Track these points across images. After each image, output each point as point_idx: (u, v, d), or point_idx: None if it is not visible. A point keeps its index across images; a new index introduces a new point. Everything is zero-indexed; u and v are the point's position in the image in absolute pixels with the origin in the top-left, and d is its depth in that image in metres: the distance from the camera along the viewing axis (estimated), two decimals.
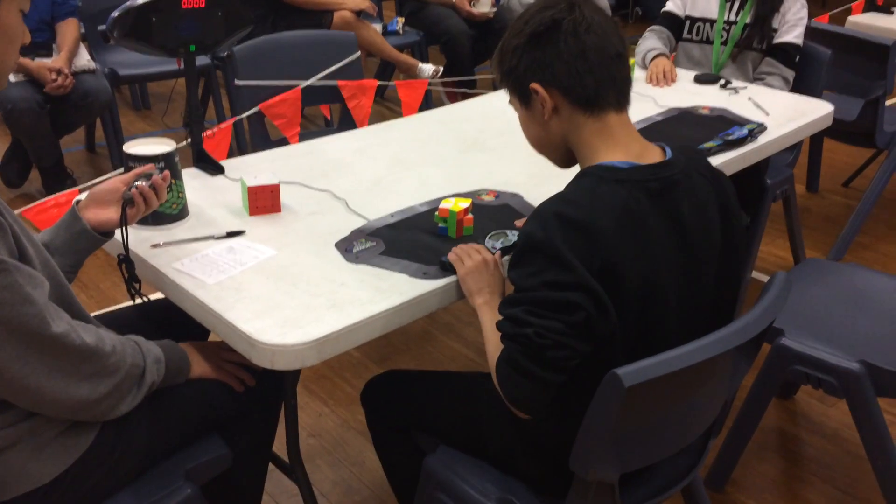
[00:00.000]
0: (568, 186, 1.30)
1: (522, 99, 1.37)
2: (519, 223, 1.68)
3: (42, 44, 3.42)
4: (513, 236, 1.60)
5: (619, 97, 1.33)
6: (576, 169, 1.37)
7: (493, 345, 1.35)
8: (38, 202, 2.07)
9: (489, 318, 1.40)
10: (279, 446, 1.75)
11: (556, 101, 1.32)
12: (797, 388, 2.47)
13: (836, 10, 4.90)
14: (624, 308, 1.25)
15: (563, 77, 1.29)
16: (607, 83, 1.30)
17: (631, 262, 1.23)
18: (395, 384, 1.68)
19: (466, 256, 1.50)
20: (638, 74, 2.77)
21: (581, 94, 1.30)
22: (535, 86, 1.31)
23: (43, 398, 1.24)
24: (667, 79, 2.69)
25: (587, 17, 1.29)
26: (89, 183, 2.42)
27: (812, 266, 2.26)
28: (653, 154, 1.34)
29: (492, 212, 1.75)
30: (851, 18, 4.08)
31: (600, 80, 1.29)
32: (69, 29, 3.46)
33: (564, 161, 1.41)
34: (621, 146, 1.32)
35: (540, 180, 1.90)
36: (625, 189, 1.25)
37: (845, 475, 2.19)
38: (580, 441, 1.24)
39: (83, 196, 1.54)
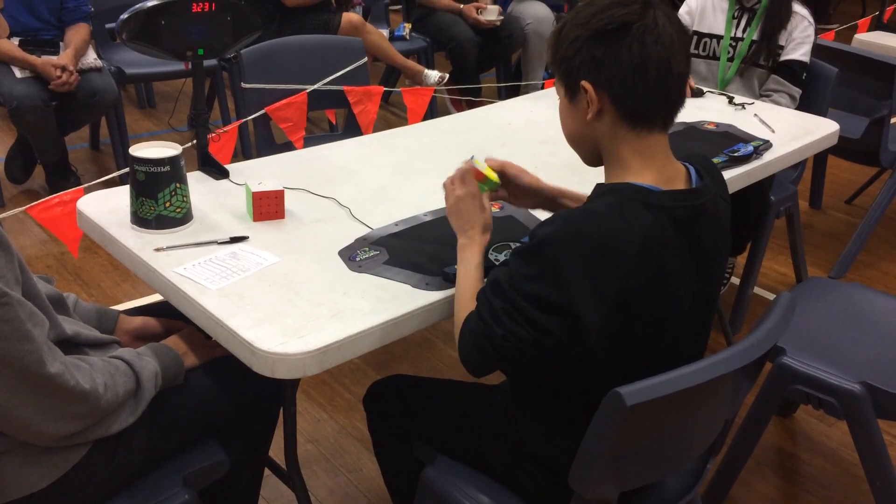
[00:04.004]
0: (593, 200, 1.26)
1: (569, 91, 1.30)
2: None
3: (49, 41, 3.42)
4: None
5: (668, 119, 1.27)
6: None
7: (465, 296, 1.37)
8: (42, 200, 2.07)
9: (467, 260, 1.41)
10: (277, 452, 1.75)
11: (602, 105, 1.25)
12: (797, 407, 2.47)
13: (842, 27, 4.91)
14: (632, 332, 1.24)
15: (617, 84, 1.23)
16: (660, 102, 1.24)
17: (646, 288, 1.22)
18: (398, 389, 1.68)
19: (449, 191, 1.47)
20: None
21: (630, 107, 1.24)
22: (585, 84, 1.25)
23: (30, 429, 1.24)
24: (689, 89, 2.70)
25: (659, 26, 1.21)
26: (93, 182, 2.42)
27: (815, 285, 2.26)
28: (680, 178, 1.30)
29: (496, 223, 1.74)
30: (858, 37, 4.09)
31: (654, 97, 1.23)
32: (79, 31, 3.47)
33: (593, 160, 1.36)
34: (655, 169, 1.27)
35: None
36: (651, 214, 1.22)
37: (843, 495, 2.19)
38: (580, 459, 1.23)
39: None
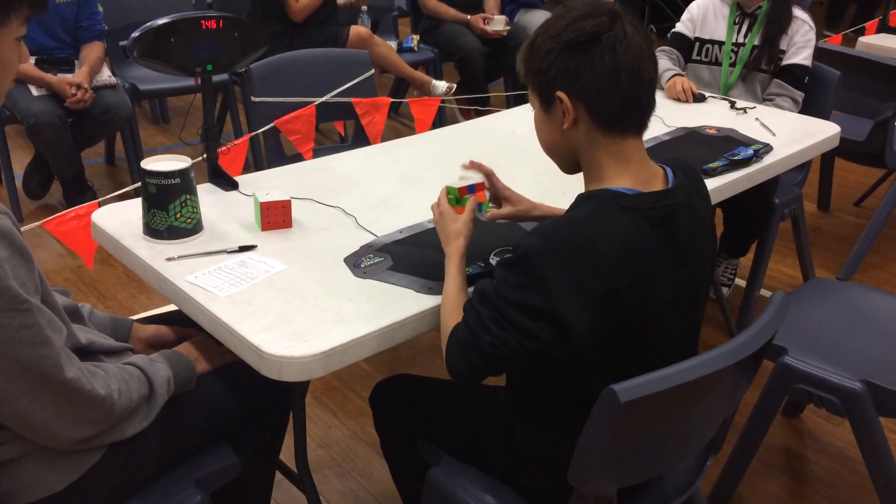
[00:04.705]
0: (573, 209, 1.31)
1: (544, 101, 1.34)
2: None
3: (64, 59, 3.50)
4: None
5: (640, 123, 1.33)
6: (578, 177, 1.39)
7: (447, 307, 1.42)
8: (58, 214, 2.13)
9: (448, 272, 1.47)
10: (289, 456, 1.79)
11: (578, 114, 1.30)
12: (804, 407, 2.48)
13: (849, 30, 4.92)
14: (619, 333, 1.28)
15: (592, 93, 1.27)
16: (633, 108, 1.29)
17: (630, 289, 1.25)
18: (404, 389, 1.71)
19: (433, 218, 1.57)
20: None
21: (605, 115, 1.29)
22: (560, 94, 1.29)
23: (47, 433, 1.28)
24: (687, 95, 2.74)
25: (628, 36, 1.26)
26: (108, 196, 2.47)
27: (817, 285, 2.29)
28: (658, 179, 1.34)
29: (498, 228, 1.78)
30: (863, 39, 4.10)
31: (627, 103, 1.28)
32: (94, 49, 3.54)
33: (571, 168, 1.41)
34: (631, 172, 1.32)
35: (546, 199, 1.93)
36: (628, 217, 1.26)
37: (850, 494, 2.20)
38: (578, 455, 1.27)
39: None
